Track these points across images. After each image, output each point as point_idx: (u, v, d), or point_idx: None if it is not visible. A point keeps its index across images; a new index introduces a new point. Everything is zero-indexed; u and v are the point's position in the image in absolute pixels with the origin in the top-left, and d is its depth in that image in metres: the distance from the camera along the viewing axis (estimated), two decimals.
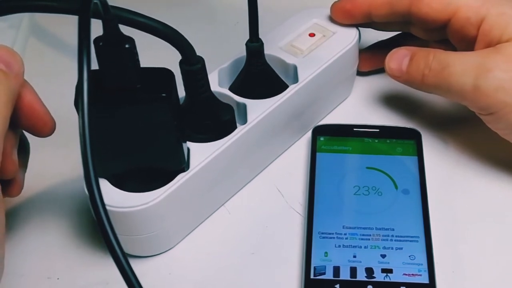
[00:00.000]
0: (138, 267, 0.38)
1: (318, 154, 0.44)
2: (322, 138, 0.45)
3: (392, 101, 0.49)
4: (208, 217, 0.42)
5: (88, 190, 0.25)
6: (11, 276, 0.39)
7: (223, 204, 0.43)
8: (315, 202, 0.41)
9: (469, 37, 0.41)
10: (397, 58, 0.42)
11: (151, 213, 0.36)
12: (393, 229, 0.40)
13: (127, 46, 0.32)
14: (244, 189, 0.44)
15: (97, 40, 0.31)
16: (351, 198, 0.41)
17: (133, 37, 0.32)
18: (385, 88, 0.50)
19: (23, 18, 0.57)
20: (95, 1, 0.28)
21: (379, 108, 0.48)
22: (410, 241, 0.39)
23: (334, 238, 0.39)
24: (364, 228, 0.40)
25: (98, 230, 0.26)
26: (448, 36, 0.42)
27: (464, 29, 0.40)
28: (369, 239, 0.39)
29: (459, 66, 0.39)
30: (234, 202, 0.43)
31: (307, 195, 0.42)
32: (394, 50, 0.42)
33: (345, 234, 0.39)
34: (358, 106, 0.48)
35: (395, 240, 0.39)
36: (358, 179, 0.43)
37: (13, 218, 0.42)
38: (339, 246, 0.39)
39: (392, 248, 0.38)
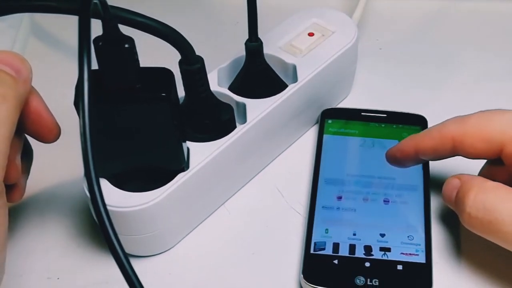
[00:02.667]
0: (138, 267, 0.38)
1: (325, 136, 0.45)
2: (330, 121, 0.46)
3: (391, 99, 0.49)
4: (208, 217, 0.42)
5: (89, 190, 0.25)
6: (11, 276, 0.39)
7: (223, 204, 0.43)
8: (320, 172, 0.43)
9: None
10: (449, 189, 0.38)
11: (151, 213, 0.36)
12: (394, 178, 0.42)
13: (126, 46, 0.32)
14: (244, 189, 0.44)
15: (96, 40, 0.31)
16: (356, 150, 0.43)
17: (133, 37, 0.32)
18: (384, 87, 0.50)
19: (23, 18, 0.57)
20: (94, 1, 0.28)
21: (378, 107, 0.48)
22: (410, 189, 0.41)
23: (338, 184, 0.42)
24: (367, 176, 0.42)
25: (99, 230, 0.26)
26: (506, 164, 0.37)
27: None
28: (371, 186, 0.41)
29: (508, 217, 0.34)
30: (234, 202, 0.43)
31: (312, 170, 0.43)
32: (450, 178, 0.38)
33: (348, 181, 0.42)
34: (357, 105, 0.48)
35: (396, 189, 0.41)
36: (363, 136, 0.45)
37: (13, 218, 0.42)
38: (340, 216, 0.40)
39: (391, 219, 0.40)
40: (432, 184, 0.42)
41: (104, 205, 0.25)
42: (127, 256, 0.26)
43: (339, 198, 0.41)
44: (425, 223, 0.40)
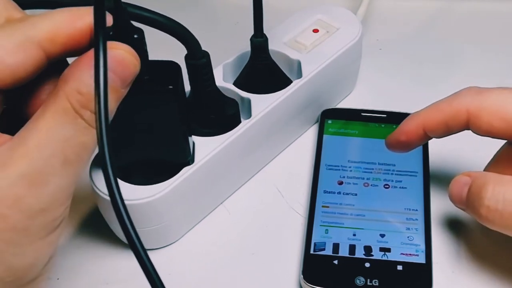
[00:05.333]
0: (138, 267, 0.38)
1: (325, 136, 0.45)
2: (330, 121, 0.46)
3: (395, 95, 0.49)
4: (208, 217, 0.42)
5: (107, 184, 0.25)
6: None
7: (226, 199, 0.43)
8: (320, 172, 0.43)
9: None
10: (459, 187, 0.36)
11: (157, 206, 0.37)
12: (394, 165, 0.43)
13: (135, 36, 0.31)
14: (244, 189, 0.44)
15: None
16: (356, 151, 0.44)
17: None
18: (388, 83, 0.50)
19: None
20: None
21: (382, 103, 0.48)
22: (410, 175, 0.42)
23: (339, 170, 0.42)
24: (368, 163, 0.43)
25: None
26: None
27: None
28: (371, 172, 0.42)
29: None
30: (234, 202, 0.43)
31: (312, 170, 0.43)
32: (458, 176, 0.36)
33: (349, 167, 0.43)
34: (362, 101, 0.48)
35: (395, 174, 0.42)
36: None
37: None
38: (341, 219, 0.40)
39: (391, 224, 0.40)
40: (432, 185, 0.42)
41: (121, 197, 0.26)
42: (145, 249, 0.26)
43: (340, 199, 0.41)
44: (425, 223, 0.40)
